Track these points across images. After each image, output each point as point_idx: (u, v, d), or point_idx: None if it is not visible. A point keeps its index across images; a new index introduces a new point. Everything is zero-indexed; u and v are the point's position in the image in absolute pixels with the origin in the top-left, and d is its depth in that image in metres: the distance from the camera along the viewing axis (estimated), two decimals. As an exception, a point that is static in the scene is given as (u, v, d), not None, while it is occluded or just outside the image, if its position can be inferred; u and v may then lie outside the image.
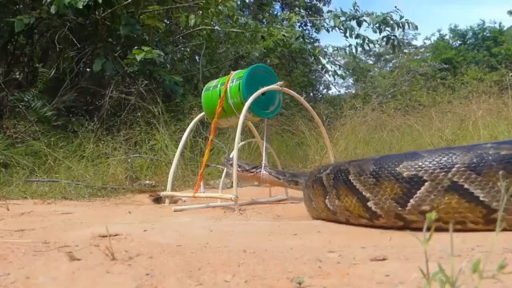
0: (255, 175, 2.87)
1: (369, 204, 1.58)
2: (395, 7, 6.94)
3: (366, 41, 7.27)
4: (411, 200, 1.46)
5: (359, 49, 7.55)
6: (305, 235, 1.60)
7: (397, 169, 1.49)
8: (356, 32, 7.19)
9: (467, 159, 1.38)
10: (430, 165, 1.43)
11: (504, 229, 1.17)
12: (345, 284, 0.88)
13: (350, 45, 7.61)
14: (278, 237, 1.60)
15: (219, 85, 3.01)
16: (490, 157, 1.35)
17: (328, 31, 7.81)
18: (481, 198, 1.35)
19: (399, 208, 1.49)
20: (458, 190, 1.38)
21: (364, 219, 1.64)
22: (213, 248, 1.38)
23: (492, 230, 1.32)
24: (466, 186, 1.37)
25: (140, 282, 0.90)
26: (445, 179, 1.40)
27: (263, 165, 2.87)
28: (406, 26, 6.98)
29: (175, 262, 1.08)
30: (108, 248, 1.10)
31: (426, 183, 1.43)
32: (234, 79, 2.90)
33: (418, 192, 1.44)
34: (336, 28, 7.30)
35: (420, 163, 1.45)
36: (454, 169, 1.39)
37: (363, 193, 1.59)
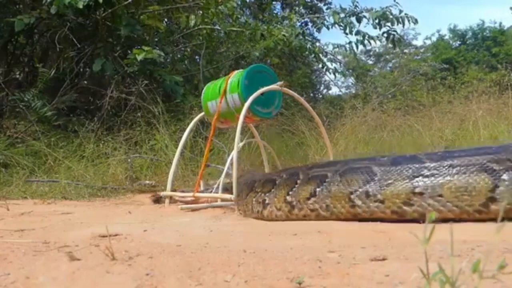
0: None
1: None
2: (395, 1, 6.89)
3: (366, 37, 7.24)
4: None
5: (360, 46, 7.51)
6: (305, 235, 1.60)
7: None
8: (356, 29, 7.16)
9: None
10: None
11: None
12: (345, 284, 0.88)
13: (350, 42, 7.58)
14: (278, 237, 1.60)
15: (219, 84, 3.04)
16: None
17: (328, 28, 7.78)
18: None
19: None
20: None
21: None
22: (213, 248, 1.38)
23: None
24: None
25: (140, 282, 0.90)
26: None
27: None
28: (406, 21, 6.93)
29: (175, 262, 1.08)
30: (108, 248, 1.10)
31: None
32: (233, 95, 2.91)
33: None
34: (336, 25, 7.27)
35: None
36: None
37: None
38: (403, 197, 1.47)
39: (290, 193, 1.82)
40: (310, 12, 10.83)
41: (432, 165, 1.49)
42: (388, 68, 18.69)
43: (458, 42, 22.21)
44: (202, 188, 3.10)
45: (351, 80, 13.35)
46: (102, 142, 4.43)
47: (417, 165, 1.51)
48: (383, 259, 1.06)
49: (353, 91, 12.48)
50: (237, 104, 2.86)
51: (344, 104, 6.17)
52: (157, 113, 4.66)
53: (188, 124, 3.45)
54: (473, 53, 20.10)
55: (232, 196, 2.58)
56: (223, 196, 2.70)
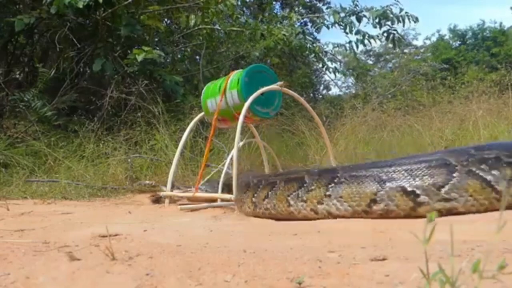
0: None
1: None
2: (395, 0, 6.87)
3: (366, 36, 7.22)
4: None
5: (360, 46, 7.50)
6: (305, 235, 1.60)
7: None
8: (356, 28, 7.15)
9: None
10: None
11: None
12: (345, 284, 0.88)
13: (350, 42, 7.56)
14: (278, 237, 1.60)
15: (219, 83, 3.06)
16: None
17: (328, 27, 7.77)
18: None
19: None
20: None
21: None
22: (213, 248, 1.38)
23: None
24: None
25: (140, 282, 0.90)
26: None
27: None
28: (407, 20, 6.91)
29: (175, 262, 1.08)
30: (108, 248, 1.10)
31: None
32: (232, 91, 2.92)
33: None
34: (336, 25, 7.26)
35: None
36: None
37: None
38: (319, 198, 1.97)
39: (255, 195, 2.25)
40: (310, 12, 10.82)
41: (343, 175, 1.93)
42: (388, 68, 18.69)
43: (458, 42, 22.22)
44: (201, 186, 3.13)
45: (351, 80, 13.35)
46: (102, 142, 4.43)
47: (332, 175, 1.97)
48: (383, 259, 1.06)
49: (353, 91, 12.48)
50: (236, 102, 2.87)
51: (344, 104, 6.16)
52: (157, 113, 4.66)
53: (188, 124, 3.45)
54: (473, 53, 20.11)
55: (232, 196, 2.59)
56: (223, 196, 2.71)
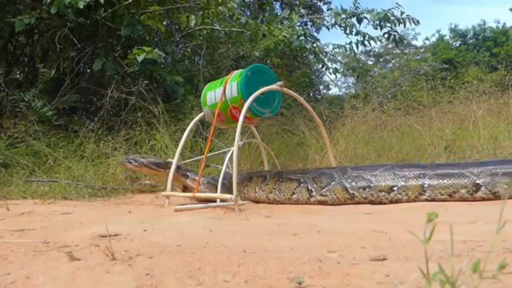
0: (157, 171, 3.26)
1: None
2: (397, 3, 6.88)
3: (367, 37, 7.23)
4: None
5: (360, 46, 7.50)
6: (305, 235, 1.61)
7: None
8: (356, 29, 7.15)
9: None
10: None
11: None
12: (345, 284, 0.88)
13: (350, 42, 7.56)
14: (278, 237, 1.60)
15: (220, 80, 3.10)
16: None
17: (328, 28, 7.77)
18: None
19: None
20: None
21: None
22: (213, 248, 1.38)
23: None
24: None
25: (140, 282, 0.90)
26: None
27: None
28: (407, 23, 6.92)
29: (175, 262, 1.08)
30: (108, 248, 1.10)
31: None
32: (232, 83, 2.93)
33: None
34: (336, 26, 7.26)
35: None
36: None
37: None
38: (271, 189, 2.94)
39: (244, 185, 3.13)
40: (310, 12, 10.82)
41: (285, 176, 2.95)
42: (388, 68, 18.69)
43: (459, 42, 22.22)
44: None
45: (351, 80, 13.35)
46: (102, 142, 4.43)
47: (280, 175, 2.98)
48: (383, 259, 1.06)
49: (353, 91, 12.48)
50: (234, 94, 2.89)
51: (344, 104, 6.15)
52: (157, 113, 4.66)
53: (188, 124, 3.45)
54: (474, 53, 20.11)
55: (232, 196, 2.59)
56: (222, 196, 2.70)
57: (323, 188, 2.71)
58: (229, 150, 3.04)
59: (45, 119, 4.99)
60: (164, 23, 6.26)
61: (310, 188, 2.76)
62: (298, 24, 8.22)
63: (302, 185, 2.80)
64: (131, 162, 3.23)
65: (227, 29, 6.40)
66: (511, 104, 4.78)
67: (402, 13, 6.88)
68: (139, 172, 3.64)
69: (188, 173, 3.26)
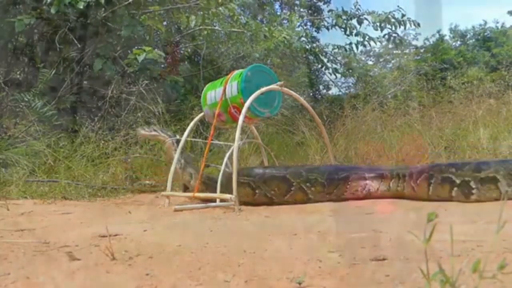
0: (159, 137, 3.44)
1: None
2: (398, 6, 6.89)
3: (367, 38, 7.23)
4: None
5: (360, 47, 7.50)
6: (305, 235, 1.61)
7: None
8: (356, 30, 7.16)
9: None
10: None
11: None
12: (345, 284, 0.88)
13: (350, 43, 7.56)
14: (278, 237, 1.60)
15: (220, 80, 3.11)
16: None
17: (328, 29, 7.77)
18: None
19: None
20: None
21: None
22: (213, 248, 1.38)
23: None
24: None
25: (140, 282, 0.90)
26: None
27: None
28: (408, 25, 6.92)
29: (175, 262, 1.08)
30: (108, 248, 1.10)
31: None
32: (233, 82, 2.93)
33: None
34: (337, 26, 7.26)
35: None
36: None
37: None
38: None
39: None
40: (310, 12, 10.80)
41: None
42: (388, 68, 18.66)
43: (459, 42, 22.20)
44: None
45: (351, 80, 13.33)
46: (102, 142, 4.42)
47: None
48: (383, 259, 1.06)
49: (353, 91, 12.45)
50: (234, 93, 2.89)
51: (344, 104, 6.15)
52: (157, 113, 4.66)
53: (188, 124, 3.46)
54: (474, 53, 20.08)
55: (232, 196, 2.58)
56: (222, 196, 2.70)
57: None
58: (228, 147, 3.07)
59: (45, 119, 4.98)
60: (164, 23, 6.26)
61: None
62: (298, 24, 8.22)
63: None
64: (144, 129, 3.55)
65: (227, 29, 6.40)
66: (511, 104, 4.78)
67: (403, 15, 6.88)
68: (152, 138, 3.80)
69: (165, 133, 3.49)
